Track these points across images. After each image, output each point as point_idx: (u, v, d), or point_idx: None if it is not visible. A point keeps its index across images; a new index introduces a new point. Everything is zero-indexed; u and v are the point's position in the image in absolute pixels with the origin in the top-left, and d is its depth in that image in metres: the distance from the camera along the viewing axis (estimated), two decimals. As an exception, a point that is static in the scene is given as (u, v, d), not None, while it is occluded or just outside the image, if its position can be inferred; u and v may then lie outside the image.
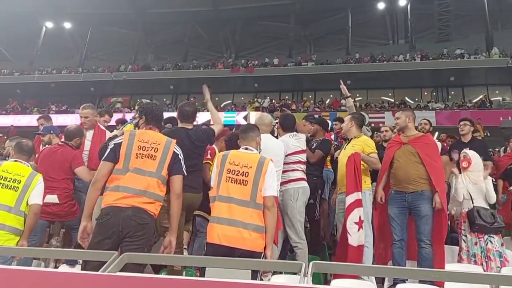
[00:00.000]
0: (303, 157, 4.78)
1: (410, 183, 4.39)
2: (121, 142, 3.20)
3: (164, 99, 27.50)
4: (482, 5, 25.75)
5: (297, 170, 4.61)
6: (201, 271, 3.31)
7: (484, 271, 4.43)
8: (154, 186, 3.13)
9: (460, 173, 5.00)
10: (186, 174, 3.38)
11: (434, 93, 24.83)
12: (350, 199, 4.37)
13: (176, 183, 3.24)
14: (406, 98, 24.14)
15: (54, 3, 30.75)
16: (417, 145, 4.54)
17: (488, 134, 15.10)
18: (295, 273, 3.41)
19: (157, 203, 3.16)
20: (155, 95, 27.62)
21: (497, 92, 23.78)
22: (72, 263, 4.27)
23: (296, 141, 4.73)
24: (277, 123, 5.23)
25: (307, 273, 2.28)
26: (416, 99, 23.82)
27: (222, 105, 26.48)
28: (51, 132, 5.55)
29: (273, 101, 24.44)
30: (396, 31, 30.13)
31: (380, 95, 25.01)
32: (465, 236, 4.71)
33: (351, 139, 4.88)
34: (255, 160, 3.30)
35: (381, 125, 16.30)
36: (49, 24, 33.18)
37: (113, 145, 3.22)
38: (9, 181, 3.65)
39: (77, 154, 4.70)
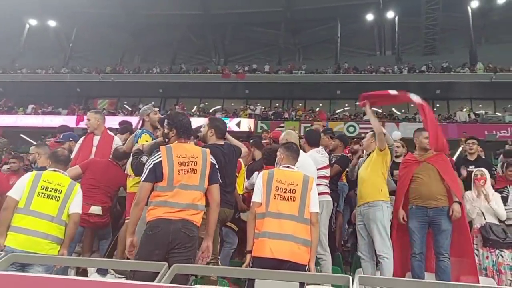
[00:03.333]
0: (327, 172, 4.97)
1: (433, 199, 4.63)
2: (160, 160, 3.23)
3: (152, 103, 27.28)
4: (467, 20, 26.57)
5: (322, 184, 4.77)
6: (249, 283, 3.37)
7: (496, 284, 4.69)
8: (198, 198, 3.28)
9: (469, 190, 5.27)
10: (222, 186, 3.53)
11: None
12: None
13: (215, 192, 3.40)
14: (393, 109, 24.60)
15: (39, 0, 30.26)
16: (436, 163, 4.79)
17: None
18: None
19: (201, 213, 3.30)
20: (144, 98, 27.39)
21: (480, 106, 24.50)
22: (103, 272, 4.33)
23: (322, 156, 4.93)
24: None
25: (355, 286, 2.46)
26: (403, 111, 24.30)
27: (211, 110, 26.49)
28: (71, 139, 5.65)
29: (266, 108, 24.56)
30: (383, 42, 30.73)
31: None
32: (477, 250, 4.98)
33: (370, 153, 5.06)
34: (300, 178, 3.51)
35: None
36: (33, 22, 32.58)
37: (152, 165, 3.24)
38: (50, 191, 3.72)
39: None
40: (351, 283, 2.42)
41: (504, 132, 18.91)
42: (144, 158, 4.02)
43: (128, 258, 3.91)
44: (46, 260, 3.38)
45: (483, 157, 7.31)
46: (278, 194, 3.38)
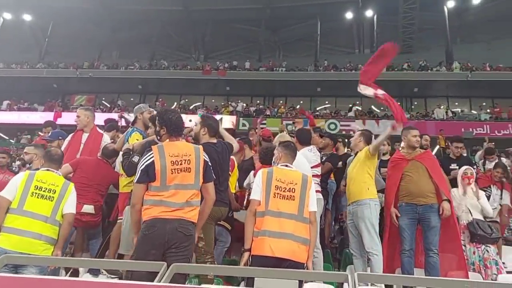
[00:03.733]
0: (319, 170, 5.03)
1: (423, 196, 4.71)
2: (153, 160, 3.19)
3: (132, 99, 27.01)
4: (443, 19, 27.20)
5: (314, 182, 4.80)
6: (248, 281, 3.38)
7: (483, 278, 4.83)
8: (194, 196, 3.27)
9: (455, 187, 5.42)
10: (217, 184, 3.55)
11: (399, 103, 25.77)
12: None
13: (211, 190, 3.43)
14: (373, 107, 24.93)
15: (14, -7, 29.47)
16: (425, 161, 4.90)
17: (448, 144, 16.00)
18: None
19: (196, 209, 3.29)
20: (122, 94, 27.07)
21: (456, 104, 25.08)
22: (95, 272, 4.28)
23: (314, 155, 4.97)
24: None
25: (354, 283, 2.56)
26: (382, 108, 24.66)
27: (191, 107, 26.32)
28: (60, 138, 5.55)
29: (247, 105, 24.53)
30: (362, 40, 31.12)
31: (348, 103, 25.68)
32: (464, 246, 5.08)
33: (357, 152, 5.13)
34: (299, 177, 3.53)
35: (351, 133, 16.93)
36: (7, 16, 31.71)
37: (144, 166, 3.21)
38: (44, 191, 3.64)
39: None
40: (350, 280, 2.54)
41: (480, 130, 19.45)
42: (135, 158, 3.97)
43: (121, 258, 3.93)
44: (40, 261, 3.32)
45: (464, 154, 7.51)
46: (277, 193, 3.38)
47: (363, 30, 30.90)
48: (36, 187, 3.62)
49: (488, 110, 22.97)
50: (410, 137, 5.02)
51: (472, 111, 24.30)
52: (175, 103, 27.00)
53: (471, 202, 5.23)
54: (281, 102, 26.39)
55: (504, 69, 23.51)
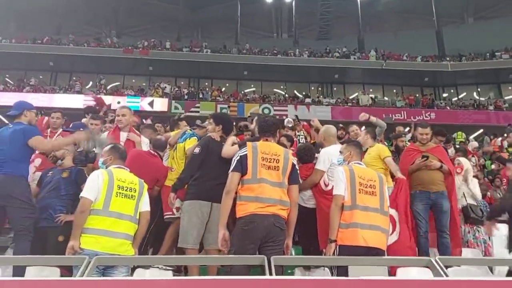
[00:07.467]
0: None
1: (434, 184, 5.21)
2: (246, 153, 3.49)
3: (41, 77, 24.63)
4: (356, 9, 28.81)
5: None
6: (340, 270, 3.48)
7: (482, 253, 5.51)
8: (284, 195, 3.49)
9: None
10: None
11: (320, 88, 27.01)
12: None
13: (295, 192, 3.62)
14: (295, 91, 25.74)
15: None
16: (436, 153, 5.41)
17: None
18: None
19: (287, 210, 3.50)
20: (30, 72, 24.50)
21: (371, 90, 26.87)
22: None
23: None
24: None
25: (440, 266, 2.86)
26: (304, 93, 25.55)
27: (109, 87, 24.75)
28: (81, 130, 5.28)
29: (178, 87, 23.66)
30: (280, 25, 31.76)
31: (273, 87, 26.23)
32: (460, 227, 5.66)
33: (367, 148, 5.50)
34: (375, 174, 3.88)
35: (284, 117, 17.25)
36: None
37: (238, 157, 3.50)
38: (126, 190, 3.63)
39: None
40: (436, 264, 2.82)
41: (398, 115, 21.07)
42: (196, 150, 4.25)
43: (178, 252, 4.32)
44: (131, 261, 3.52)
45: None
46: (361, 189, 3.65)
47: (281, 15, 31.51)
48: (119, 187, 3.59)
49: (400, 98, 24.85)
50: (417, 133, 5.56)
51: (385, 97, 26.29)
52: (91, 82, 25.26)
53: (465, 189, 5.86)
54: (206, 84, 26.04)
55: (412, 58, 25.63)
